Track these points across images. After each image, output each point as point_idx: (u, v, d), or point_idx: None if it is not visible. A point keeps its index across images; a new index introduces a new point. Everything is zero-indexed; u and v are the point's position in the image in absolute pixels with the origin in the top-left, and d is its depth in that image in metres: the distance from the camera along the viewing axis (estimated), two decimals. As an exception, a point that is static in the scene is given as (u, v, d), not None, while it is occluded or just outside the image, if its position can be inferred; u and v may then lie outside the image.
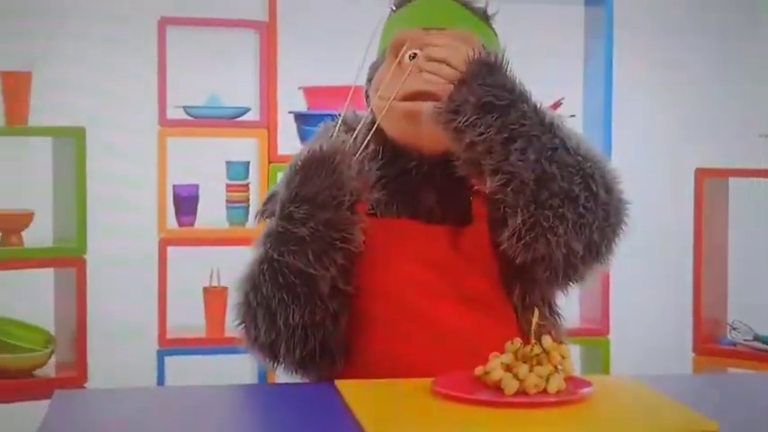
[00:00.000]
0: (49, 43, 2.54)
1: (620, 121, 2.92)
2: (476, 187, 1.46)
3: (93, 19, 3.13)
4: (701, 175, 2.70)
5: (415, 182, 1.49)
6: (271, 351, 1.45)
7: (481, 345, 1.42)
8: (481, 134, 1.38)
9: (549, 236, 1.37)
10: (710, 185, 2.70)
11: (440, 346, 1.46)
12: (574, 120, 2.84)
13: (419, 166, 1.49)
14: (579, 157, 1.38)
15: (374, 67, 1.54)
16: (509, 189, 1.37)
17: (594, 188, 1.38)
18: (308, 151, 1.43)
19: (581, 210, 1.37)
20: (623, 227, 1.44)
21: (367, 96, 1.55)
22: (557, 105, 2.82)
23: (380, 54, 1.55)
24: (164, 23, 2.69)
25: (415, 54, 1.47)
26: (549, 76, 3.14)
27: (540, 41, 3.34)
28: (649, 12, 3.50)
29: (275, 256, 1.41)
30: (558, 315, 1.57)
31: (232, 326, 1.49)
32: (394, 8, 1.57)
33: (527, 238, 1.38)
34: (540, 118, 1.39)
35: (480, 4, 1.56)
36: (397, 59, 1.48)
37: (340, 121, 1.52)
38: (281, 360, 1.46)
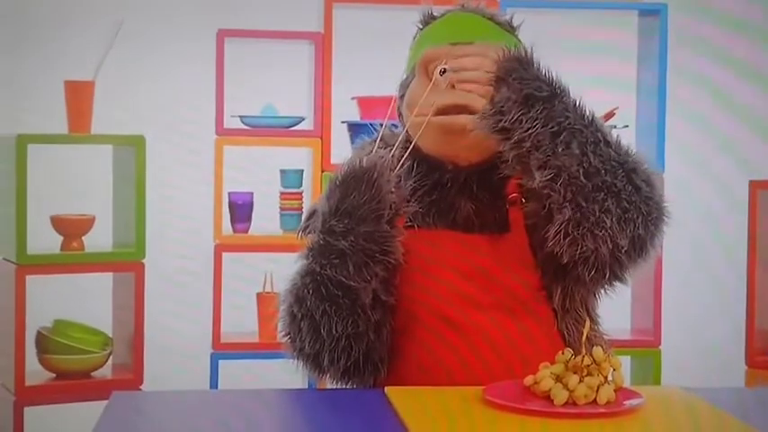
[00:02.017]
0: (111, 54, 2.60)
1: (674, 131, 2.91)
2: (511, 195, 1.49)
3: (154, 30, 3.20)
4: (755, 186, 2.67)
5: (451, 193, 1.51)
6: (315, 362, 1.48)
7: (522, 353, 1.44)
8: (527, 129, 1.39)
9: (596, 231, 1.37)
10: (765, 197, 2.67)
11: (481, 356, 1.47)
12: (627, 130, 2.84)
13: (455, 177, 1.51)
14: (620, 152, 1.39)
15: (404, 85, 1.56)
16: (557, 184, 1.38)
17: (637, 182, 1.39)
18: (348, 166, 1.46)
19: (625, 204, 1.38)
20: (665, 221, 1.43)
21: (400, 114, 1.57)
22: (610, 115, 2.81)
23: (409, 71, 1.57)
24: (222, 35, 2.74)
25: (445, 70, 1.48)
26: (602, 85, 3.14)
27: (593, 50, 3.33)
28: (704, 20, 3.47)
29: (317, 269, 1.45)
30: (597, 321, 1.58)
31: (279, 336, 1.52)
32: (420, 26, 1.60)
33: (574, 233, 1.38)
34: (581, 112, 1.41)
35: (506, 17, 1.58)
36: (432, 80, 1.49)
37: (378, 138, 1.55)
38: (325, 370, 1.48)
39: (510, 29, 1.58)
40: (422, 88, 1.49)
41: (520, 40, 1.59)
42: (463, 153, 1.49)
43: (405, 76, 1.58)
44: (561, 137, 1.38)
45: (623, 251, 1.39)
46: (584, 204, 1.37)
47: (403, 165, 1.51)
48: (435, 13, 1.59)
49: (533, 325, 1.49)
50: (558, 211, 1.39)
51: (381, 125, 1.59)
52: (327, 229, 1.45)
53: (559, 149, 1.38)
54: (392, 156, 1.50)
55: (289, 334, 1.49)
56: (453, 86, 1.47)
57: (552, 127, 1.39)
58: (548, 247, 1.42)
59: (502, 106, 1.40)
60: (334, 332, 1.45)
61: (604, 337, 1.58)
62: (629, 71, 2.93)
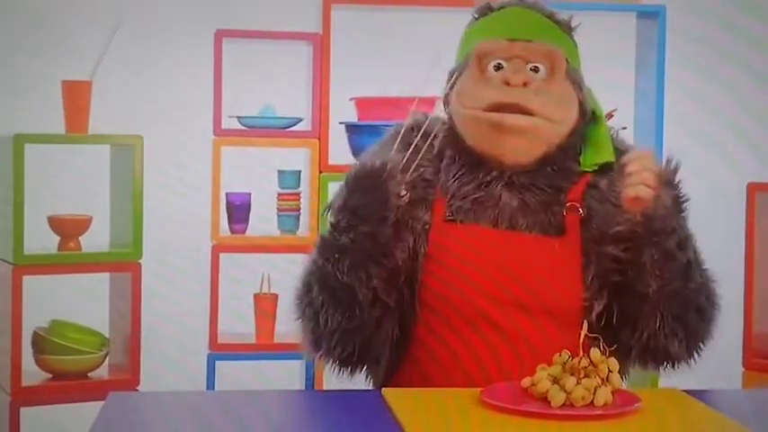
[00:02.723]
0: (109, 54, 2.59)
1: (672, 133, 2.91)
2: (571, 202, 1.49)
3: (152, 31, 3.20)
4: (753, 189, 2.67)
5: (496, 190, 1.50)
6: (315, 348, 1.51)
7: (545, 356, 1.43)
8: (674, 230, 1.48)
9: (673, 349, 1.54)
10: (763, 200, 2.68)
11: (510, 356, 1.48)
12: (625, 132, 2.84)
13: (500, 176, 1.50)
14: (706, 275, 1.55)
15: (454, 74, 1.54)
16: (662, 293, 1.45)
17: (711, 308, 1.57)
18: (361, 164, 1.47)
19: (701, 324, 1.56)
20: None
21: (446, 103, 1.55)
22: (609, 116, 2.81)
23: (460, 61, 1.55)
24: (220, 36, 2.74)
25: (500, 65, 1.48)
26: (600, 87, 3.14)
27: (591, 52, 3.32)
28: (703, 23, 3.47)
29: (320, 262, 1.47)
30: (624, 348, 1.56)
31: (293, 320, 1.54)
32: (476, 16, 1.57)
33: (653, 344, 1.50)
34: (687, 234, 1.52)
35: (564, 16, 1.58)
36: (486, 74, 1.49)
37: (402, 131, 1.53)
38: (323, 356, 1.51)
39: (567, 29, 1.57)
40: (474, 81, 1.48)
41: (575, 43, 1.58)
42: (511, 153, 1.48)
43: (455, 66, 1.55)
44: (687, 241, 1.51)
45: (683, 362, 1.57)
46: (675, 322, 1.49)
47: (442, 153, 1.50)
48: (493, 4, 1.56)
49: (563, 329, 1.49)
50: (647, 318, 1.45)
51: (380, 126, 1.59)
52: (334, 223, 1.47)
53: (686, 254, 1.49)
54: (430, 145, 1.50)
55: (299, 318, 1.51)
56: (507, 83, 1.47)
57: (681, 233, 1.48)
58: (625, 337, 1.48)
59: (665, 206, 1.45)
60: (330, 324, 1.47)
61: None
62: (628, 73, 2.93)
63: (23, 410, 2.48)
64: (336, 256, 1.45)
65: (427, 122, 1.53)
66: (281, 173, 2.81)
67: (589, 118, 1.55)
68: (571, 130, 1.51)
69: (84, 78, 2.58)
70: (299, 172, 2.82)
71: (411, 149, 1.50)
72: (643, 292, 1.46)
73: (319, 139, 2.75)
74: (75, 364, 2.52)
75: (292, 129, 2.80)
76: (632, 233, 1.45)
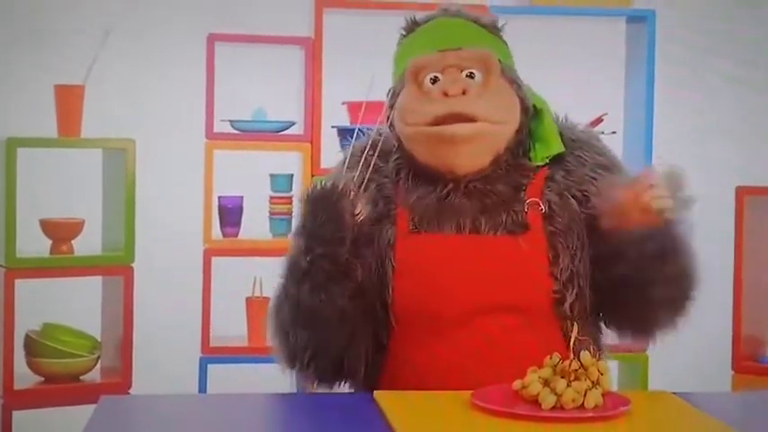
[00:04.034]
0: (102, 58, 2.60)
1: (661, 137, 2.92)
2: (531, 199, 1.50)
3: (144, 35, 3.20)
4: (742, 192, 2.69)
5: (455, 198, 1.52)
6: (290, 364, 1.53)
7: (525, 355, 1.45)
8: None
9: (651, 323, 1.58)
10: (751, 203, 2.69)
11: (483, 357, 1.49)
12: (615, 136, 2.86)
13: (457, 186, 1.51)
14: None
15: (394, 94, 1.55)
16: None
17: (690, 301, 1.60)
18: (312, 186, 1.49)
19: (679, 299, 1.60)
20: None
21: (391, 124, 1.56)
22: (598, 121, 2.83)
23: (397, 80, 1.56)
24: (212, 39, 2.75)
25: (436, 77, 1.49)
26: (590, 92, 3.16)
27: (581, 57, 3.35)
28: (691, 27, 3.49)
29: (285, 284, 1.50)
30: (599, 328, 1.59)
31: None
32: (404, 32, 1.59)
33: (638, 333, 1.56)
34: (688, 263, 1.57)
35: (488, 19, 1.58)
36: (423, 89, 1.50)
37: (363, 151, 1.55)
38: (299, 372, 1.53)
39: (495, 30, 1.57)
40: (413, 97, 1.49)
41: (505, 42, 1.59)
42: (461, 162, 1.49)
43: (393, 85, 1.57)
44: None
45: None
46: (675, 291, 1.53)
47: (398, 173, 1.53)
48: (419, 19, 1.57)
49: (538, 326, 1.50)
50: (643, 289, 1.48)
51: (367, 130, 1.60)
52: (294, 247, 1.49)
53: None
54: (384, 163, 1.52)
55: (271, 334, 1.54)
56: (446, 94, 1.48)
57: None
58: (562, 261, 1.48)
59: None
60: (300, 342, 1.49)
61: (601, 341, 1.60)
62: (618, 78, 2.95)
63: (16, 414, 2.48)
64: (298, 278, 1.47)
65: (382, 140, 1.55)
66: (273, 176, 2.81)
67: (532, 113, 1.56)
68: (516, 128, 1.52)
69: (76, 82, 2.58)
70: (292, 175, 2.82)
71: (361, 165, 1.51)
72: (616, 275, 1.48)
73: (311, 143, 2.76)
74: (68, 368, 2.52)
75: (285, 132, 2.81)
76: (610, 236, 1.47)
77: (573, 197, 1.51)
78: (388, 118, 1.57)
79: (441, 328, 1.50)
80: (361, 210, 1.47)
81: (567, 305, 1.50)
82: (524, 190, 1.51)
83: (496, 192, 1.50)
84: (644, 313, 1.53)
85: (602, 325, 1.59)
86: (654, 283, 1.48)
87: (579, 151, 1.55)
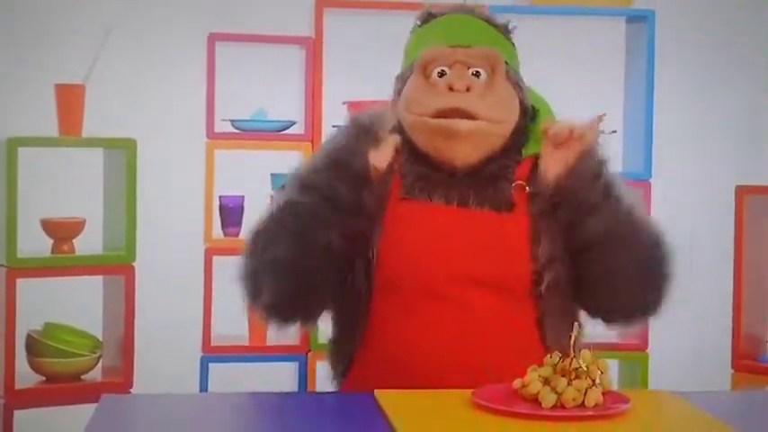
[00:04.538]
0: (102, 57, 2.60)
1: (661, 137, 2.93)
2: (518, 181, 1.55)
3: (145, 34, 3.21)
4: (741, 192, 2.70)
5: (446, 175, 1.56)
6: (253, 282, 1.57)
7: (505, 330, 1.50)
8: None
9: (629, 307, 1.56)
10: (751, 202, 2.70)
11: (466, 331, 1.51)
12: (615, 135, 2.86)
13: (452, 175, 1.56)
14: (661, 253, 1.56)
15: (401, 80, 1.60)
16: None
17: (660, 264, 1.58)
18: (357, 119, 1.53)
19: (653, 276, 1.57)
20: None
21: (393, 109, 1.60)
22: (598, 120, 2.83)
23: (406, 67, 1.61)
24: (213, 39, 2.75)
25: (443, 71, 1.54)
26: (590, 91, 3.16)
27: (581, 57, 3.35)
28: (691, 27, 3.49)
29: (285, 192, 1.52)
30: (575, 316, 1.61)
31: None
32: (419, 23, 1.63)
33: (607, 307, 1.55)
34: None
35: (501, 20, 1.63)
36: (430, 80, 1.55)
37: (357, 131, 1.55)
38: (260, 295, 1.55)
39: (505, 32, 1.62)
40: (419, 88, 1.55)
41: (513, 44, 1.63)
42: (459, 156, 1.54)
43: (401, 71, 1.62)
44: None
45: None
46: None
47: (399, 154, 1.55)
48: (434, 11, 1.62)
49: (517, 303, 1.53)
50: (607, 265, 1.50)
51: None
52: (315, 161, 1.52)
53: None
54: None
55: (248, 250, 1.56)
56: (451, 89, 1.52)
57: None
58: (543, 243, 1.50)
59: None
60: (278, 255, 1.49)
61: (578, 329, 1.62)
62: (617, 77, 2.95)
63: (17, 413, 2.48)
64: (304, 188, 1.49)
65: (383, 115, 1.58)
66: (274, 176, 2.82)
67: (530, 114, 1.61)
68: (513, 128, 1.58)
69: (77, 82, 2.58)
70: (292, 175, 2.83)
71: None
72: (587, 259, 1.52)
73: (312, 143, 2.76)
74: (69, 367, 2.53)
75: (285, 132, 2.81)
76: (559, 196, 1.52)
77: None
78: (393, 103, 1.61)
79: (419, 294, 1.52)
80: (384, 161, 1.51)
81: (543, 286, 1.53)
82: (513, 172, 1.56)
83: (485, 172, 1.56)
84: (615, 284, 1.53)
85: (587, 314, 1.61)
86: (616, 239, 1.51)
87: None
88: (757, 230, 2.73)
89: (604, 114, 2.78)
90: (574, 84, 3.14)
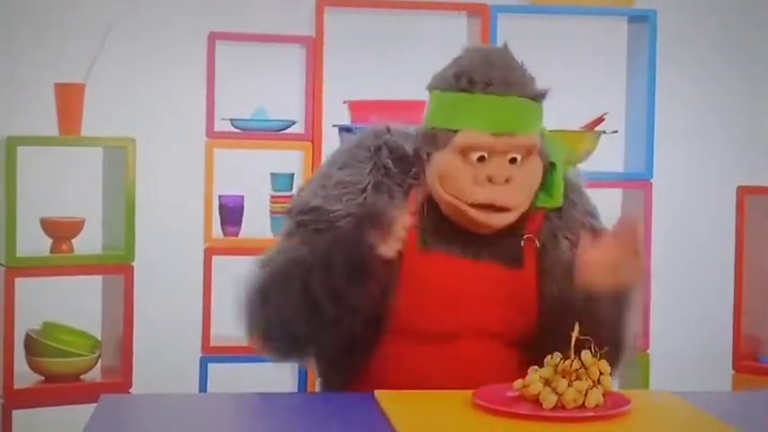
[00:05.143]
0: (102, 57, 2.60)
1: (663, 137, 2.92)
2: (528, 235, 1.60)
3: (145, 33, 3.20)
4: (743, 192, 2.69)
5: (462, 230, 1.60)
6: (264, 334, 1.59)
7: (500, 377, 1.51)
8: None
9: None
10: (752, 203, 2.69)
11: (459, 374, 1.55)
12: (616, 135, 2.86)
13: (457, 227, 1.60)
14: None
15: (426, 139, 1.60)
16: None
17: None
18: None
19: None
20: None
21: (418, 158, 1.61)
22: (599, 120, 2.83)
23: (438, 127, 1.59)
24: (213, 38, 2.74)
25: (483, 157, 1.56)
26: (591, 91, 3.16)
27: (583, 56, 3.35)
28: (693, 27, 3.49)
29: (308, 260, 1.54)
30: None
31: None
32: (454, 82, 1.59)
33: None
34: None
35: (541, 88, 1.61)
36: (470, 164, 1.56)
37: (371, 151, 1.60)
38: (271, 339, 1.57)
39: (541, 98, 1.61)
40: (458, 169, 1.56)
41: (542, 107, 1.62)
42: (482, 231, 1.59)
43: (430, 127, 1.60)
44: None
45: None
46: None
47: (424, 215, 1.60)
48: (474, 77, 1.57)
49: (518, 354, 1.59)
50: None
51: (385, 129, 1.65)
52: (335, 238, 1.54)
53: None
54: (382, 172, 1.61)
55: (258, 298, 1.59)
56: (490, 180, 1.55)
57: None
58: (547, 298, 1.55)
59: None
60: (274, 316, 1.53)
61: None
62: (619, 77, 2.95)
63: (16, 413, 2.48)
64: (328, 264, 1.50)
65: (393, 141, 1.62)
66: (274, 175, 2.81)
67: (547, 168, 1.64)
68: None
69: (77, 81, 2.58)
70: (293, 175, 2.82)
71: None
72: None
73: (312, 142, 2.76)
74: (68, 367, 2.52)
75: (285, 131, 2.81)
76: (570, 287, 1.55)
77: (565, 238, 1.64)
78: (417, 152, 1.61)
79: (429, 341, 1.57)
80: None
81: (540, 335, 1.57)
82: (524, 226, 1.62)
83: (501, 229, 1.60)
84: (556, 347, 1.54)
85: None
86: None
87: (573, 195, 1.66)
88: (758, 231, 2.72)
89: (606, 114, 2.78)
90: (575, 84, 3.14)
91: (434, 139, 1.59)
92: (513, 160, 1.58)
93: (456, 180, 1.56)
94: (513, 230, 1.60)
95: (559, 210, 1.64)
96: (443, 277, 1.57)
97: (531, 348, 1.58)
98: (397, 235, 1.49)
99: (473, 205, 1.56)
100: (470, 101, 1.58)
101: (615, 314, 1.54)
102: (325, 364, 1.65)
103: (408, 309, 1.56)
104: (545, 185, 1.63)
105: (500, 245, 1.60)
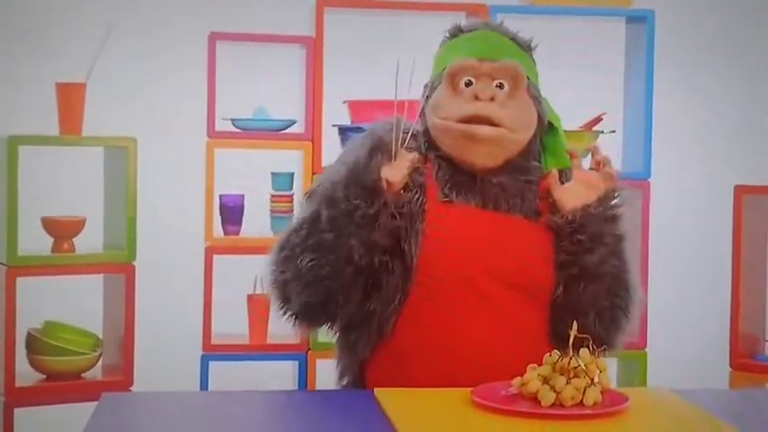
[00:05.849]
0: (103, 56, 2.61)
1: (660, 137, 2.93)
2: (543, 190, 1.69)
3: (146, 33, 3.21)
4: (740, 191, 2.70)
5: (481, 182, 1.68)
6: (281, 287, 1.63)
7: (519, 326, 1.61)
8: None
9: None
10: (750, 202, 2.71)
11: (494, 329, 1.61)
12: (614, 135, 2.87)
13: (483, 181, 1.69)
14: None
15: (430, 88, 1.73)
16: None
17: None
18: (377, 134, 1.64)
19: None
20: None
21: (422, 114, 1.73)
22: (597, 121, 2.84)
23: (436, 77, 1.74)
24: (213, 38, 2.75)
25: (470, 81, 1.68)
26: (590, 91, 3.16)
27: (581, 57, 3.35)
28: (691, 28, 3.50)
29: (314, 207, 1.63)
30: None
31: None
32: (448, 36, 1.76)
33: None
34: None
35: (525, 37, 1.75)
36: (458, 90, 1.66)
37: (409, 134, 1.65)
38: (290, 300, 1.62)
39: (528, 49, 1.76)
40: (447, 95, 1.69)
41: (534, 61, 1.76)
42: (479, 159, 1.67)
43: (431, 79, 1.74)
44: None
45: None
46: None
47: (418, 149, 1.68)
48: (463, 26, 1.75)
49: (536, 308, 1.65)
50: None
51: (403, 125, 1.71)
52: (337, 175, 1.62)
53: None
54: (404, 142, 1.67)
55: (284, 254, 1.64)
56: (476, 98, 1.66)
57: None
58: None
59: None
60: (305, 267, 1.59)
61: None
62: (617, 77, 2.96)
63: (17, 411, 2.49)
64: (334, 203, 1.58)
65: (404, 123, 1.68)
66: (274, 175, 2.82)
67: (546, 127, 1.75)
68: (530, 138, 1.72)
69: (78, 80, 2.58)
70: (293, 174, 2.83)
71: (402, 144, 1.64)
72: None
73: (312, 142, 2.77)
74: (69, 365, 2.53)
75: (286, 131, 2.82)
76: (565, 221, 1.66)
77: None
78: (422, 109, 1.72)
79: (455, 291, 1.62)
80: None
81: (558, 293, 1.65)
82: (537, 184, 1.70)
83: (513, 181, 1.69)
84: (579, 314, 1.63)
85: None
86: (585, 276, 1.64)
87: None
88: (756, 230, 2.73)
89: (604, 114, 2.79)
90: (574, 83, 3.15)
91: (431, 84, 1.72)
92: (501, 86, 1.67)
93: (446, 106, 1.67)
94: (527, 188, 1.68)
95: (569, 170, 1.72)
96: (466, 226, 1.64)
97: (551, 308, 1.63)
98: (401, 162, 1.58)
99: (461, 121, 1.65)
100: (458, 41, 1.73)
101: (615, 242, 1.62)
102: (348, 330, 1.68)
103: (435, 258, 1.62)
104: (548, 147, 1.74)
105: (519, 198, 1.68)
